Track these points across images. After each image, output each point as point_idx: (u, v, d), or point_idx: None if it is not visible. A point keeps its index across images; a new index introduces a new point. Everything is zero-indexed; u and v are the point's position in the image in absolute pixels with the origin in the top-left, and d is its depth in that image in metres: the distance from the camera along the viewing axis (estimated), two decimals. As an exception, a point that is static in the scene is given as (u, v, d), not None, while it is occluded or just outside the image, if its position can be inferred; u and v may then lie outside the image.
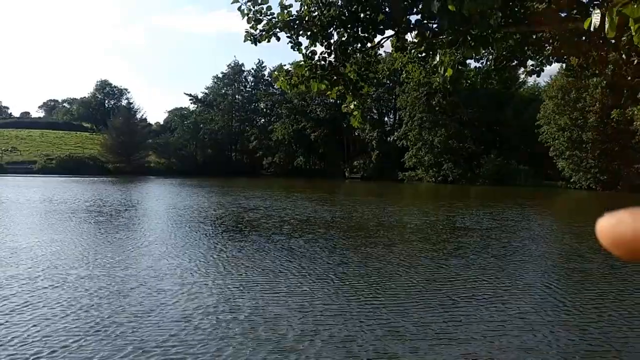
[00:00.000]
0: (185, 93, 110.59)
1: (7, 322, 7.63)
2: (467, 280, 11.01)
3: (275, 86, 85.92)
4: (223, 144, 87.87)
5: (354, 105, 11.14)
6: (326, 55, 10.28)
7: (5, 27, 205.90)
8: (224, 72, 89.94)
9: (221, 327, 7.60)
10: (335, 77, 10.55)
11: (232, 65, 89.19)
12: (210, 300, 8.99)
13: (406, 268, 12.16)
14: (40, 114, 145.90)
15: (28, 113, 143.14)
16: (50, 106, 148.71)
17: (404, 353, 6.83)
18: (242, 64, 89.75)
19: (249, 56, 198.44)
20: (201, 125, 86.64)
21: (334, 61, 10.41)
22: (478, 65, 13.73)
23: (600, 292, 10.44)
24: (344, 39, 10.18)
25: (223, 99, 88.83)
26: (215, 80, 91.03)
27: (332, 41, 10.21)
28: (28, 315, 7.98)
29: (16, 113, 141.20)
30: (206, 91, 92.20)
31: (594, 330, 7.94)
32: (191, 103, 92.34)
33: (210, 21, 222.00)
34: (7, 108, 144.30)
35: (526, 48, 11.57)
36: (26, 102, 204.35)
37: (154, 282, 10.25)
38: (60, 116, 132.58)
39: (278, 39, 10.04)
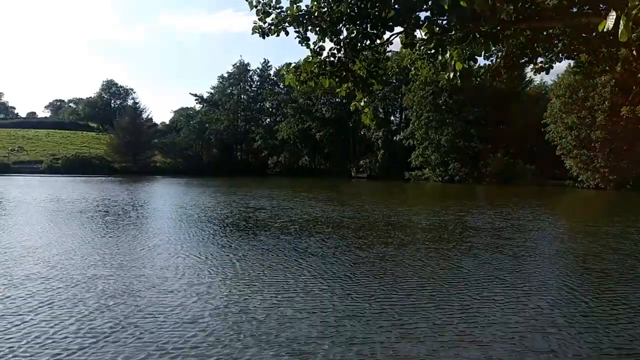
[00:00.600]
0: (190, 93, 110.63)
1: (24, 322, 7.60)
2: (481, 281, 10.82)
3: (280, 85, 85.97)
4: (229, 143, 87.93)
5: (365, 102, 11.01)
6: (335, 51, 10.16)
7: (9, 29, 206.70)
8: (230, 71, 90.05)
9: (233, 329, 7.48)
10: (344, 74, 10.42)
11: (238, 64, 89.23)
12: (222, 301, 8.87)
13: (419, 268, 11.98)
14: (47, 114, 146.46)
15: (34, 113, 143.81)
16: (56, 106, 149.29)
17: (419, 355, 6.67)
18: (248, 64, 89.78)
19: (255, 56, 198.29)
20: (207, 125, 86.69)
21: (344, 57, 10.29)
22: (488, 62, 13.53)
23: (619, 292, 10.23)
24: (353, 35, 10.03)
25: (229, 98, 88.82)
26: (221, 80, 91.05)
27: (341, 37, 10.07)
28: (45, 315, 7.93)
29: (23, 113, 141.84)
30: (212, 91, 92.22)
31: (613, 332, 7.75)
32: (197, 103, 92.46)
33: (215, 21, 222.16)
34: (14, 108, 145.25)
35: (536, 45, 11.41)
36: (32, 102, 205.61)
37: (165, 282, 10.13)
38: (66, 116, 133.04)
39: (287, 33, 9.91)
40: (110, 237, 16.15)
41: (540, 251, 14.76)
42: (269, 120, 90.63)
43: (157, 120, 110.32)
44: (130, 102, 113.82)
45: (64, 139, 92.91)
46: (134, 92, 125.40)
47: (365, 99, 11.12)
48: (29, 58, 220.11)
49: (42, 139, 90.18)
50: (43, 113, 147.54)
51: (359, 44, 10.18)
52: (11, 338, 6.95)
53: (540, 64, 12.20)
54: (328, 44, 9.99)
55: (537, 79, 70.15)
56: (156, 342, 6.90)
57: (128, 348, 6.67)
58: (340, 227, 19.02)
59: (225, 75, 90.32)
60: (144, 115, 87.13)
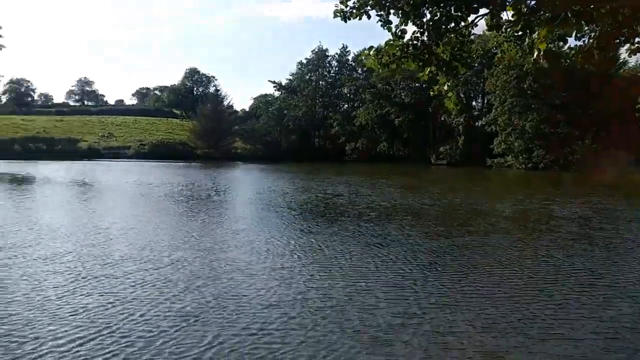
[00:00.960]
0: (269, 80, 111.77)
1: (120, 301, 7.95)
2: (571, 273, 10.30)
3: (359, 71, 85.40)
4: (306, 129, 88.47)
5: (448, 86, 10.72)
6: (418, 34, 9.90)
7: (99, 21, 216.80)
8: (308, 58, 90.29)
9: (316, 314, 7.49)
10: (427, 57, 10.15)
11: (317, 50, 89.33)
12: (302, 287, 8.91)
13: (504, 258, 11.56)
14: (134, 101, 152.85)
15: (122, 101, 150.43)
16: (142, 94, 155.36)
17: (506, 349, 6.41)
18: (327, 50, 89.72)
19: (334, 42, 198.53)
20: (285, 112, 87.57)
21: (427, 40, 10.01)
22: (579, 43, 12.77)
23: None
24: (436, 18, 9.73)
25: (307, 84, 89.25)
26: (300, 67, 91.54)
27: (424, 20, 9.80)
28: (139, 295, 8.28)
29: (111, 100, 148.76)
30: (290, 77, 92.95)
31: None
32: (275, 90, 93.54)
33: (295, 7, 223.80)
34: (103, 96, 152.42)
35: (634, 23, 10.65)
36: (120, 90, 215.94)
37: (249, 266, 10.30)
38: (151, 103, 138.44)
39: (368, 16, 9.73)
40: (194, 220, 16.65)
41: (635, 242, 13.91)
42: (346, 106, 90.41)
43: (238, 107, 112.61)
44: (212, 89, 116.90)
45: (149, 125, 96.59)
46: (216, 80, 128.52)
47: (449, 83, 10.83)
48: (119, 47, 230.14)
49: (129, 126, 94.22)
50: (130, 100, 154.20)
51: (443, 27, 9.86)
52: (108, 316, 7.26)
53: (637, 44, 11.40)
54: (410, 27, 9.75)
55: (633, 60, 65.74)
56: (243, 324, 7.02)
57: (217, 329, 6.82)
58: (420, 215, 18.73)
59: (304, 61, 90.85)
60: (225, 103, 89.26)
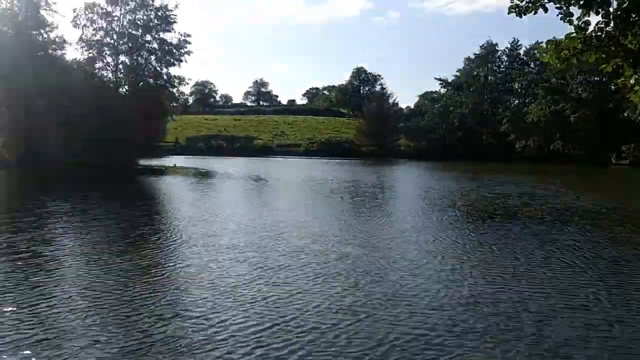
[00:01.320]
0: (435, 78, 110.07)
1: (302, 292, 8.36)
2: None
3: (531, 65, 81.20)
4: (473, 126, 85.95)
5: (635, 79, 9.89)
6: (603, 25, 9.26)
7: (280, 29, 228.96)
8: (477, 53, 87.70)
9: (484, 320, 7.22)
10: (613, 49, 9.45)
11: (485, 45, 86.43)
12: (472, 290, 8.67)
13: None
14: (304, 101, 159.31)
15: (294, 101, 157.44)
16: (312, 94, 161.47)
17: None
18: (496, 44, 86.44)
19: (503, 36, 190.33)
20: (451, 109, 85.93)
21: (613, 31, 9.33)
22: None
23: None
24: (624, 6, 9.04)
25: (474, 80, 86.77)
26: (467, 62, 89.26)
27: (610, 10, 9.16)
28: (314, 288, 8.65)
29: (284, 101, 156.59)
30: (457, 74, 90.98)
31: None
32: (441, 87, 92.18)
33: (460, 2, 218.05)
34: (277, 96, 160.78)
35: None
36: (292, 90, 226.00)
37: (415, 266, 10.29)
38: (320, 103, 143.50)
39: (545, 10, 9.31)
40: (361, 216, 17.11)
41: None
42: (517, 102, 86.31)
43: (403, 104, 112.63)
44: (377, 88, 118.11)
45: (318, 124, 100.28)
46: (382, 78, 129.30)
47: (636, 76, 10.00)
48: (289, 50, 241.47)
49: (299, 125, 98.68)
50: (301, 100, 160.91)
51: (632, 16, 9.13)
52: (284, 306, 7.67)
53: None
54: (594, 18, 9.15)
55: None
56: (412, 324, 7.00)
57: (387, 327, 6.88)
58: (601, 219, 17.37)
59: (472, 57, 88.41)
60: (391, 101, 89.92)
